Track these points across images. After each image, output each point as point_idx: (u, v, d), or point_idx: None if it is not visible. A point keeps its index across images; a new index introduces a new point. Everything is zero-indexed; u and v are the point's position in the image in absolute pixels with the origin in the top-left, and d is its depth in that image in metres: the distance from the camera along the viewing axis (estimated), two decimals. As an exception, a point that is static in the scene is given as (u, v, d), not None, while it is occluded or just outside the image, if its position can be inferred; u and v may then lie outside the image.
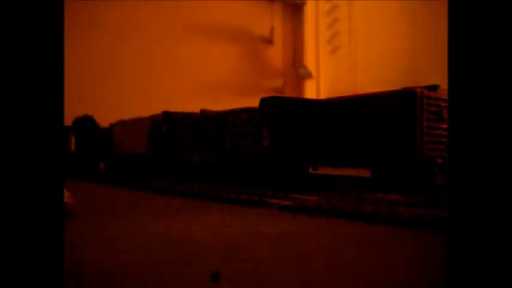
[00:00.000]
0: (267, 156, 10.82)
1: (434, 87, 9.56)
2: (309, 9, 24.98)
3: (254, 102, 12.49)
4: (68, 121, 19.91)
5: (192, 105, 15.33)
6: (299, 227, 6.37)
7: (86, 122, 20.69)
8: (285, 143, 10.71)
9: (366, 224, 6.34)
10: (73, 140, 21.00)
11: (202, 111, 14.14)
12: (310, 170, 11.87)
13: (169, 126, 15.38)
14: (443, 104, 9.47)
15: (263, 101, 11.36)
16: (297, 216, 7.24)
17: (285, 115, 10.85)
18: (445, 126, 9.39)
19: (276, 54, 26.19)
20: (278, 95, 25.88)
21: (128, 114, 18.20)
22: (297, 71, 24.89)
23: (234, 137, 12.13)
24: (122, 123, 18.92)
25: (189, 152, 14.15)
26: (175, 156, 14.98)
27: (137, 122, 17.37)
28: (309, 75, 24.44)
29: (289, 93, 24.97)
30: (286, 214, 7.51)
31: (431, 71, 17.66)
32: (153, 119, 16.12)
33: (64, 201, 7.21)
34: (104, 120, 20.25)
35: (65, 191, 7.53)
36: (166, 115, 15.68)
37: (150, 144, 16.20)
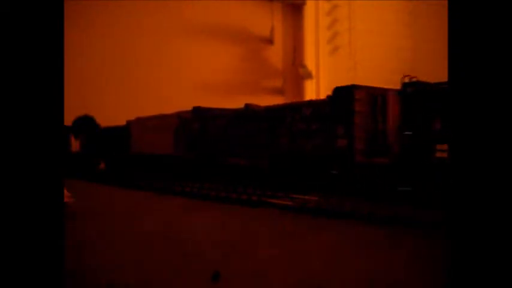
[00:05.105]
0: (341, 158, 8.79)
1: None
2: (309, 9, 24.96)
3: (254, 102, 12.34)
4: (68, 121, 19.91)
5: (192, 105, 14.89)
6: (299, 227, 6.36)
7: (86, 122, 20.65)
8: (365, 140, 8.58)
9: (365, 224, 6.33)
10: (73, 139, 20.98)
11: (248, 106, 11.97)
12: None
13: (201, 123, 13.31)
14: None
15: (338, 90, 9.07)
16: (296, 216, 7.24)
17: (367, 107, 8.63)
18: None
19: (276, 54, 26.18)
20: (278, 95, 26.02)
21: (127, 114, 18.13)
22: (297, 71, 24.88)
23: (293, 135, 10.11)
24: (141, 121, 17.02)
25: (227, 153, 12.16)
26: (210, 158, 12.88)
27: (160, 119, 15.41)
28: (309, 75, 24.42)
29: (289, 93, 24.97)
30: (287, 214, 7.51)
31: (431, 71, 17.62)
32: (181, 116, 14.13)
33: (64, 201, 7.21)
34: (104, 120, 20.24)
35: (65, 191, 7.53)
36: (198, 111, 13.55)
37: (178, 144, 14.18)
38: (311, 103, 10.06)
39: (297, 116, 10.05)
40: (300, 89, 25.06)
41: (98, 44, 21.57)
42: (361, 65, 22.11)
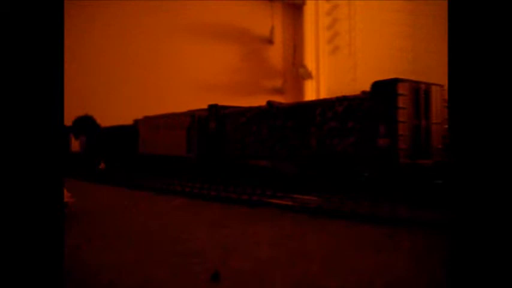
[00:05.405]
0: (383, 159, 8.10)
1: None
2: (309, 9, 24.97)
3: (254, 102, 12.31)
4: (68, 121, 19.90)
5: (192, 105, 14.86)
6: (299, 227, 6.36)
7: (86, 122, 20.64)
8: (409, 140, 7.91)
9: (366, 224, 6.33)
10: (73, 139, 20.98)
11: (270, 103, 11.15)
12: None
13: (218, 122, 12.63)
14: None
15: (378, 84, 8.25)
16: (297, 217, 7.24)
17: (411, 103, 7.94)
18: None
19: (276, 54, 26.19)
20: (278, 95, 26.03)
21: (127, 115, 18.09)
22: (297, 71, 24.89)
23: (324, 135, 9.39)
24: (150, 120, 16.33)
25: (248, 154, 11.46)
26: (228, 160, 12.23)
27: (172, 118, 14.76)
28: (309, 75, 24.43)
29: (289, 93, 24.98)
30: (287, 214, 7.51)
31: (431, 71, 17.65)
32: (195, 115, 13.50)
33: (64, 201, 7.22)
34: (104, 120, 20.22)
35: (65, 191, 7.53)
36: (214, 109, 12.78)
37: (191, 145, 13.53)
38: (345, 99, 9.14)
39: (330, 113, 9.32)
40: (300, 89, 25.07)
41: (98, 44, 21.56)
42: (361, 65, 22.11)
